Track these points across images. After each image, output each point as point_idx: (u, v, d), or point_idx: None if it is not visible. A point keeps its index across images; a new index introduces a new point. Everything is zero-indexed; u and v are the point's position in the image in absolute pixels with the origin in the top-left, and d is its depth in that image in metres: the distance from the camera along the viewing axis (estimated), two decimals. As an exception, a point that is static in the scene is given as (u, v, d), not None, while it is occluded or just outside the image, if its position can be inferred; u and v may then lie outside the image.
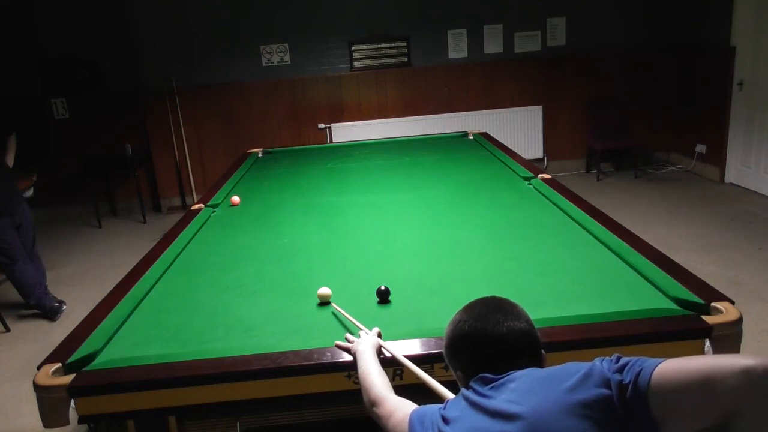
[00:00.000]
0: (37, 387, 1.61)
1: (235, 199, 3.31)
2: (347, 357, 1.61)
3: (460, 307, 1.25)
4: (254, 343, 1.76)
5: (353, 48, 6.21)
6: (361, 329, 1.71)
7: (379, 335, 1.66)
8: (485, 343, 1.16)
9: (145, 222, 6.10)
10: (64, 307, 4.13)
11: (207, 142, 6.37)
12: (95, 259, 5.16)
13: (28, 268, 4.02)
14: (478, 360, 1.16)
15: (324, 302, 2.00)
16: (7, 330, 3.98)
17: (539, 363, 1.17)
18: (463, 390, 1.17)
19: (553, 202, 2.87)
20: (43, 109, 6.20)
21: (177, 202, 6.52)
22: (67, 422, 1.62)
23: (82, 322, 1.98)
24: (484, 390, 1.11)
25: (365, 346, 1.57)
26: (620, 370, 0.99)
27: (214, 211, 3.22)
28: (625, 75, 6.34)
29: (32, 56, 6.06)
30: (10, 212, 3.93)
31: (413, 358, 1.57)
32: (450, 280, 2.12)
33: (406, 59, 6.26)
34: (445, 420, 1.12)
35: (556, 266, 2.17)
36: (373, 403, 1.37)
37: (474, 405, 1.10)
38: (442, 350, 1.27)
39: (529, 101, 6.36)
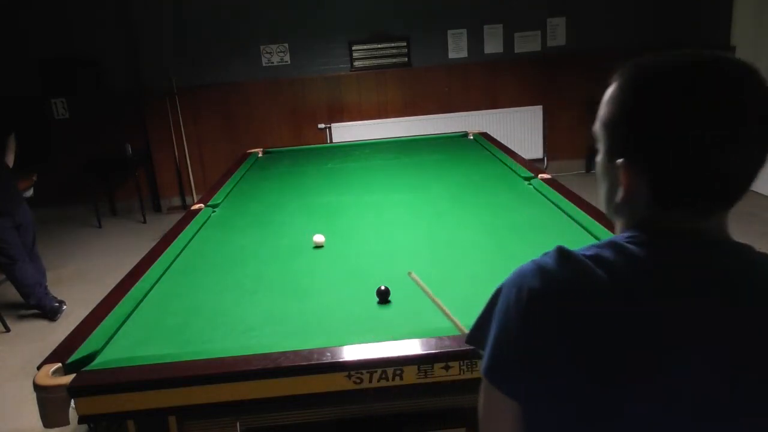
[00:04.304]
0: (37, 387, 1.61)
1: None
2: (347, 357, 1.61)
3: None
4: (254, 343, 1.76)
5: (353, 48, 6.21)
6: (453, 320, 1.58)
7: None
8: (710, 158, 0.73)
9: (145, 222, 6.10)
10: (64, 307, 4.13)
11: (207, 142, 6.37)
12: (95, 259, 5.16)
13: (29, 268, 4.02)
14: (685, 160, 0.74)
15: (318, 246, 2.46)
16: (7, 330, 3.98)
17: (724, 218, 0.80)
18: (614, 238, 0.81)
19: (553, 203, 2.87)
20: (43, 109, 6.20)
21: (177, 202, 6.53)
22: (67, 422, 1.62)
23: (82, 322, 1.98)
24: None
25: None
26: None
27: (214, 211, 3.22)
28: (625, 75, 6.33)
29: (32, 56, 6.06)
30: (10, 212, 3.93)
31: (413, 358, 1.57)
32: (450, 280, 2.12)
33: (406, 59, 6.26)
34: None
35: (556, 266, 2.16)
36: None
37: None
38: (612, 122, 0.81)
39: (529, 101, 6.36)
